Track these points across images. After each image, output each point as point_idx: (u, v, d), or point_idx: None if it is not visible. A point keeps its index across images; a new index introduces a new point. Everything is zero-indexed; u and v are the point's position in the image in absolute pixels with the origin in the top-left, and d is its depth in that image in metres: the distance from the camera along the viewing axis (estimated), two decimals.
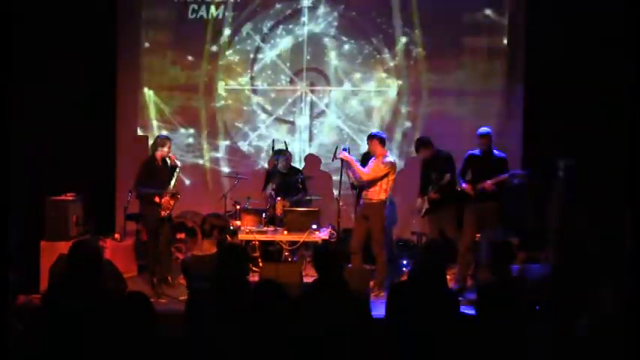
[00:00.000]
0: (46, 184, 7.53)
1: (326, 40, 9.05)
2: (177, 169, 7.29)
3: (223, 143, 9.17)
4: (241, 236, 7.22)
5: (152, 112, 9.16)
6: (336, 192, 7.72)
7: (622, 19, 7.04)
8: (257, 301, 3.57)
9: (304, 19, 9.05)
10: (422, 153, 7.48)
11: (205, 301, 4.06)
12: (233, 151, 9.18)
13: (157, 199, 7.06)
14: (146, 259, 7.43)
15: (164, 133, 8.92)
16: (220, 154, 9.18)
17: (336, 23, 9.03)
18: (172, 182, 7.20)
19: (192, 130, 9.13)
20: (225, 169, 9.11)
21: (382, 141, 7.15)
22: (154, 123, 9.15)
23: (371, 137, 7.17)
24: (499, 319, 3.72)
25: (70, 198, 7.44)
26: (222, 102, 9.15)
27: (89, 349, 3.40)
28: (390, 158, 7.11)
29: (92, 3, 8.49)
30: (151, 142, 8.90)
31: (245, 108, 9.16)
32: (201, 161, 9.10)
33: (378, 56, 9.01)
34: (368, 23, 8.96)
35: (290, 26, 9.07)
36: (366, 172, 7.01)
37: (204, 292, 4.32)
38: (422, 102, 9.01)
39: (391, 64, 9.02)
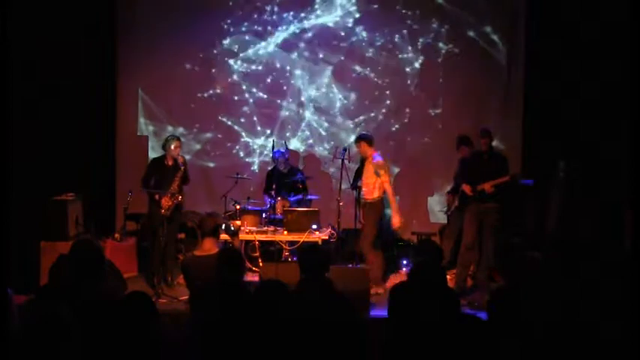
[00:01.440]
0: (46, 184, 7.52)
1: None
2: (181, 171, 7.19)
3: (212, 139, 9.16)
4: (241, 236, 7.22)
5: (139, 109, 9.12)
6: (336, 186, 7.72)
7: (622, 18, 7.04)
8: (260, 301, 3.56)
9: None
10: (462, 151, 7.53)
11: (207, 301, 4.06)
12: (224, 148, 9.17)
13: (157, 198, 7.07)
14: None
15: (150, 128, 9.01)
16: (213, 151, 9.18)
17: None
18: (174, 183, 7.14)
19: (181, 129, 9.03)
20: (211, 164, 9.13)
21: (370, 142, 7.28)
22: (141, 120, 9.13)
23: (358, 139, 7.31)
24: (510, 323, 3.72)
25: (70, 198, 7.43)
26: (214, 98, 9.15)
27: (89, 349, 3.40)
28: (379, 157, 7.23)
29: (93, 3, 8.51)
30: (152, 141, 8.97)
31: (236, 98, 9.12)
32: (188, 157, 9.08)
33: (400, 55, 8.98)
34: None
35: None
36: (373, 189, 7.14)
37: (205, 291, 4.31)
38: (427, 102, 9.00)
39: (416, 64, 8.98)
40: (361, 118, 9.06)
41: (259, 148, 9.11)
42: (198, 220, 5.56)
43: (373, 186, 7.13)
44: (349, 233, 7.96)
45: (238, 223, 7.33)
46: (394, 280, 7.24)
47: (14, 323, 3.56)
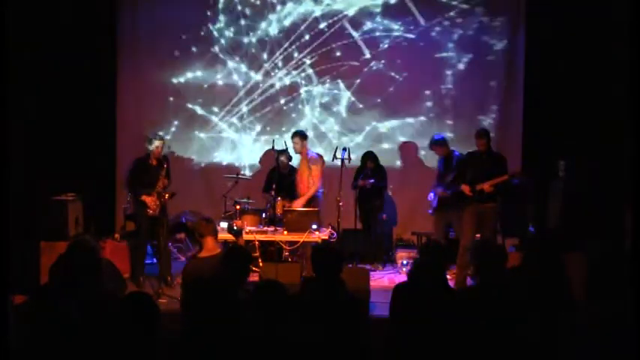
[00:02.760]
0: (46, 184, 7.52)
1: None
2: (164, 169, 7.16)
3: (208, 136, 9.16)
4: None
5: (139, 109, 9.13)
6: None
7: (622, 17, 7.03)
8: (258, 301, 3.56)
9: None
10: (436, 151, 7.48)
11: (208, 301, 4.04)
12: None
13: (143, 198, 7.07)
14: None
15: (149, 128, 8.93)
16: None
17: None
18: (159, 182, 7.10)
19: (174, 128, 9.05)
20: (203, 163, 9.13)
21: (305, 137, 7.60)
22: (140, 120, 9.12)
23: (294, 135, 7.52)
24: (481, 322, 3.72)
25: (70, 198, 7.44)
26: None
27: (89, 349, 3.40)
28: (312, 153, 7.55)
29: (93, 3, 8.50)
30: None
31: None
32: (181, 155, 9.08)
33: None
34: None
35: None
36: (312, 185, 7.37)
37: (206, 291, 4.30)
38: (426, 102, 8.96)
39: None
40: (393, 122, 8.89)
41: (250, 146, 9.09)
42: (191, 225, 5.60)
43: (308, 181, 7.31)
44: (349, 233, 7.97)
45: (240, 222, 7.33)
46: (394, 280, 7.26)
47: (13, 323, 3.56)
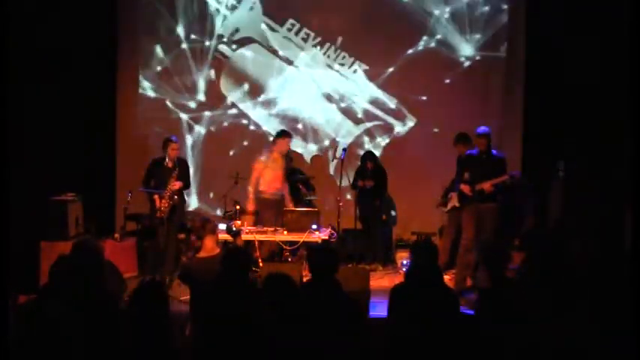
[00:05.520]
0: (46, 184, 7.52)
1: None
2: (175, 171, 7.18)
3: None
4: (242, 236, 7.20)
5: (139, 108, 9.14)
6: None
7: (623, 17, 7.03)
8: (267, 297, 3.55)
9: None
10: (458, 148, 7.46)
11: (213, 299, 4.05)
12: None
13: (154, 198, 7.08)
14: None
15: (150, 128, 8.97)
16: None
17: None
18: (169, 184, 7.11)
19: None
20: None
21: None
22: (141, 120, 9.13)
23: (288, 134, 7.45)
24: (498, 321, 3.72)
25: (70, 198, 7.44)
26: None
27: (90, 350, 3.40)
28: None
29: (94, 3, 8.51)
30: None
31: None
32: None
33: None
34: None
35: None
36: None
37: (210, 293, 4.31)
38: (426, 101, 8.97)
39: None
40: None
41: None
42: (191, 224, 5.60)
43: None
44: (349, 233, 7.97)
45: (239, 223, 7.33)
46: (394, 280, 7.26)
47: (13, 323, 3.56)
